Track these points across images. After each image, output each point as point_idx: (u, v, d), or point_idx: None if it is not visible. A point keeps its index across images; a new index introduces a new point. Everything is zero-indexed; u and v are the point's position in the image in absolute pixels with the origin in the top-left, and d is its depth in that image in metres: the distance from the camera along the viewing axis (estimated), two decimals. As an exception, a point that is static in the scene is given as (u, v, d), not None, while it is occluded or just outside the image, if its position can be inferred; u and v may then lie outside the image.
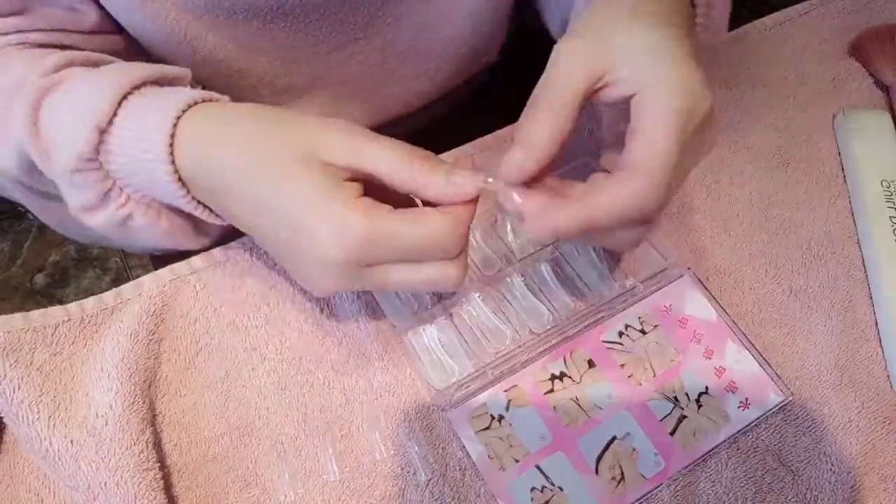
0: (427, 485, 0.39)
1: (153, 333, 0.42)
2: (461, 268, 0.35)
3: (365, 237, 0.32)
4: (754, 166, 0.52)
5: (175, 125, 0.34)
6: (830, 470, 0.41)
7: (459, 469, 0.40)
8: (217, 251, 0.45)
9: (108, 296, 0.43)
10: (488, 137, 0.52)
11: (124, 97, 0.35)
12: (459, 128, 0.55)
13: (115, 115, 0.35)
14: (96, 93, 0.35)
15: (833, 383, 0.43)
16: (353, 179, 0.34)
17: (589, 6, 0.37)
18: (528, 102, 0.35)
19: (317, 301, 0.44)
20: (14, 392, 0.38)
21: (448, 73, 0.56)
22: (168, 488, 0.38)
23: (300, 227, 0.32)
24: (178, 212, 0.39)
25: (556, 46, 0.35)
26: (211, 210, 0.38)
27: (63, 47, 0.42)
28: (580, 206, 0.33)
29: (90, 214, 0.38)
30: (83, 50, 0.41)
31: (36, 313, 0.42)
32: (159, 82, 0.38)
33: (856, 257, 0.48)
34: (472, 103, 0.66)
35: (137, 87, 0.36)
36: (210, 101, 0.36)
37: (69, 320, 0.42)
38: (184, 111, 0.35)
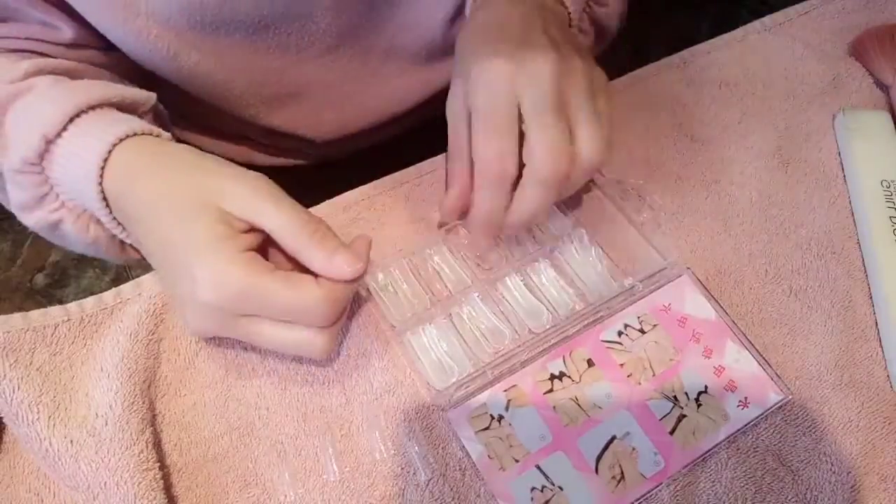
0: (427, 485, 0.39)
1: (153, 333, 0.42)
2: (328, 339, 0.37)
3: (239, 289, 0.34)
4: (754, 166, 0.52)
5: (110, 151, 0.37)
6: (830, 470, 0.41)
7: (459, 469, 0.40)
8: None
9: (108, 296, 0.43)
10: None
11: (77, 115, 0.38)
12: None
13: (64, 129, 0.38)
14: (54, 105, 0.38)
15: (833, 383, 0.43)
16: (253, 231, 0.36)
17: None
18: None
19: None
20: (14, 392, 0.38)
21: (430, 70, 0.56)
22: (168, 488, 0.38)
23: (186, 267, 0.34)
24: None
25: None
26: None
27: (39, 54, 0.43)
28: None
29: (26, 213, 0.42)
30: (59, 59, 0.43)
31: (36, 313, 0.42)
32: (119, 105, 0.41)
33: (856, 257, 0.48)
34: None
35: (93, 108, 0.39)
36: (150, 134, 0.39)
37: (69, 320, 0.42)
38: (121, 139, 0.38)
